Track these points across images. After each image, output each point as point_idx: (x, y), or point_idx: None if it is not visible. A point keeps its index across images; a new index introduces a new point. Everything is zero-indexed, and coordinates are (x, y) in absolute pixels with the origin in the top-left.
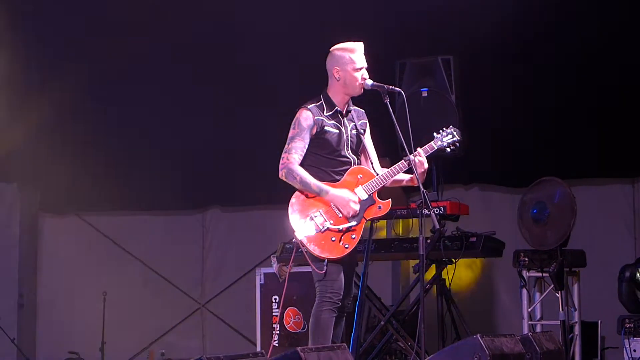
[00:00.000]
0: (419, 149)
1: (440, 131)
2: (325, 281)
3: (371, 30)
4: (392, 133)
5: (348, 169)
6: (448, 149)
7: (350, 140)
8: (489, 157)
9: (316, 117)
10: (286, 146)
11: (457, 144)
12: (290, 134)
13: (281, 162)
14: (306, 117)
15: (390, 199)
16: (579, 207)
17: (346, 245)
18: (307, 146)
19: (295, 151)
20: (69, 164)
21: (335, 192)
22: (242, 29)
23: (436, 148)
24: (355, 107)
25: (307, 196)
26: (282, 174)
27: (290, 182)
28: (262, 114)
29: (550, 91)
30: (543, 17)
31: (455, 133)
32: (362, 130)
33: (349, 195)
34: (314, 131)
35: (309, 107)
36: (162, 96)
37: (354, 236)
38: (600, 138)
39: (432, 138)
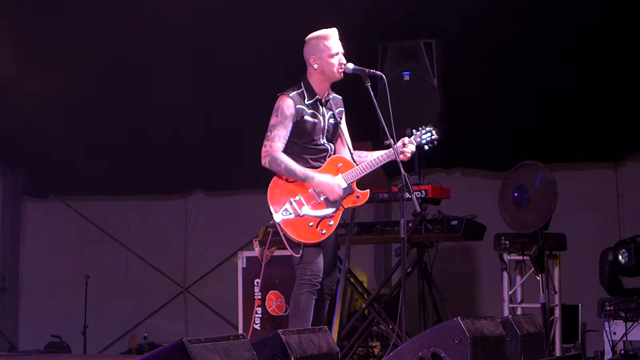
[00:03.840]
0: (407, 140)
1: (420, 128)
2: (304, 264)
3: (353, 14)
4: (374, 117)
5: (325, 156)
6: (426, 147)
7: (327, 130)
8: (471, 141)
9: (297, 106)
10: (268, 134)
11: (435, 142)
12: (272, 122)
13: (263, 149)
14: (289, 105)
15: (368, 190)
16: (561, 191)
17: (323, 231)
18: (289, 134)
19: (278, 139)
20: (52, 149)
21: (321, 177)
22: (222, 12)
23: (415, 144)
24: (334, 94)
25: (287, 181)
26: (265, 162)
27: (274, 170)
28: (245, 98)
29: (531, 74)
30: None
31: (434, 132)
32: (339, 119)
33: (334, 180)
34: (295, 120)
35: (290, 94)
36: (144, 80)
37: (331, 223)
38: (582, 121)
39: (410, 131)
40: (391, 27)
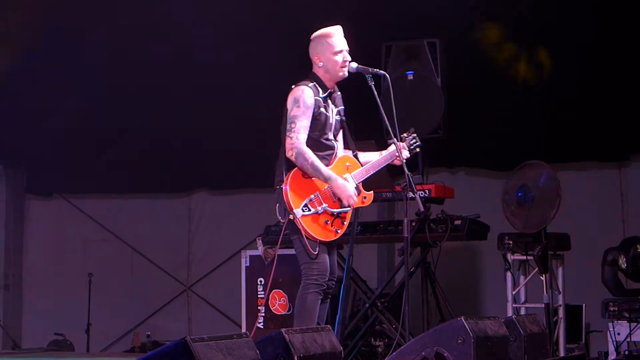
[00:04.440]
0: (402, 146)
1: (407, 133)
2: (311, 263)
3: (357, 13)
4: (377, 116)
5: (331, 153)
6: (410, 154)
7: (334, 126)
8: (475, 141)
9: (315, 97)
10: (292, 125)
11: (417, 150)
12: (293, 112)
13: (289, 142)
14: (310, 95)
15: (372, 191)
16: (565, 191)
17: (337, 230)
18: (310, 124)
19: (304, 130)
20: (56, 147)
21: (342, 182)
22: (225, 12)
23: (407, 149)
24: (337, 92)
25: (303, 176)
26: (291, 154)
27: (299, 163)
28: (249, 98)
29: (536, 73)
30: None
31: (417, 138)
32: (343, 117)
33: (352, 188)
34: (315, 111)
35: (309, 85)
36: (147, 78)
37: (344, 222)
38: (586, 121)
39: (416, 125)
40: (395, 26)
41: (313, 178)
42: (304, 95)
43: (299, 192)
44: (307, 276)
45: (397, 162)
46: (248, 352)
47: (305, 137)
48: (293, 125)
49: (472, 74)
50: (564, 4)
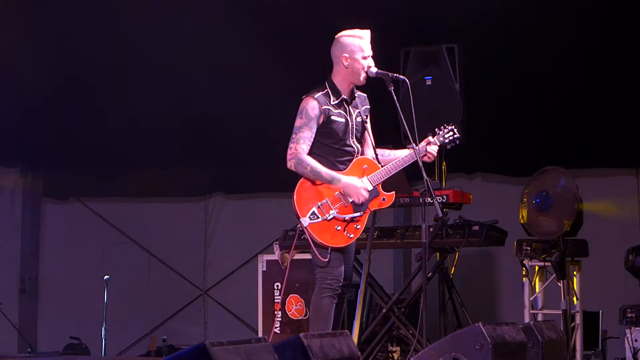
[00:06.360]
0: (431, 139)
1: (442, 127)
2: (326, 268)
3: (375, 17)
4: (395, 121)
5: (351, 158)
6: (448, 146)
7: (355, 129)
8: (493, 146)
9: (323, 107)
10: (293, 136)
11: (457, 142)
12: (297, 124)
13: (289, 152)
14: (313, 106)
15: (394, 192)
16: (582, 197)
17: (350, 235)
18: (314, 135)
19: (304, 141)
20: (73, 150)
21: (347, 179)
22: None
23: (438, 144)
24: (359, 93)
25: (313, 183)
26: (290, 164)
27: (299, 172)
28: (264, 100)
29: (554, 79)
30: (546, 5)
31: (455, 130)
32: (365, 117)
33: (360, 183)
34: (321, 120)
35: (315, 95)
36: (164, 81)
37: (357, 226)
38: (603, 127)
39: (434, 131)
40: (413, 31)
41: (323, 185)
42: (307, 107)
43: (307, 200)
44: (321, 280)
45: (426, 159)
46: (267, 357)
47: (306, 147)
48: (294, 136)
49: (490, 79)
50: (586, 15)
